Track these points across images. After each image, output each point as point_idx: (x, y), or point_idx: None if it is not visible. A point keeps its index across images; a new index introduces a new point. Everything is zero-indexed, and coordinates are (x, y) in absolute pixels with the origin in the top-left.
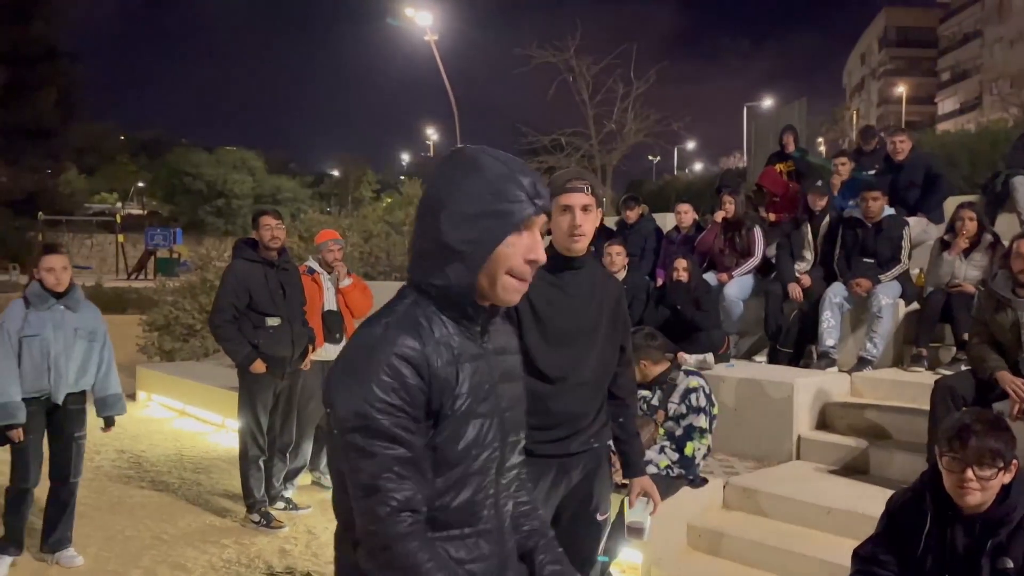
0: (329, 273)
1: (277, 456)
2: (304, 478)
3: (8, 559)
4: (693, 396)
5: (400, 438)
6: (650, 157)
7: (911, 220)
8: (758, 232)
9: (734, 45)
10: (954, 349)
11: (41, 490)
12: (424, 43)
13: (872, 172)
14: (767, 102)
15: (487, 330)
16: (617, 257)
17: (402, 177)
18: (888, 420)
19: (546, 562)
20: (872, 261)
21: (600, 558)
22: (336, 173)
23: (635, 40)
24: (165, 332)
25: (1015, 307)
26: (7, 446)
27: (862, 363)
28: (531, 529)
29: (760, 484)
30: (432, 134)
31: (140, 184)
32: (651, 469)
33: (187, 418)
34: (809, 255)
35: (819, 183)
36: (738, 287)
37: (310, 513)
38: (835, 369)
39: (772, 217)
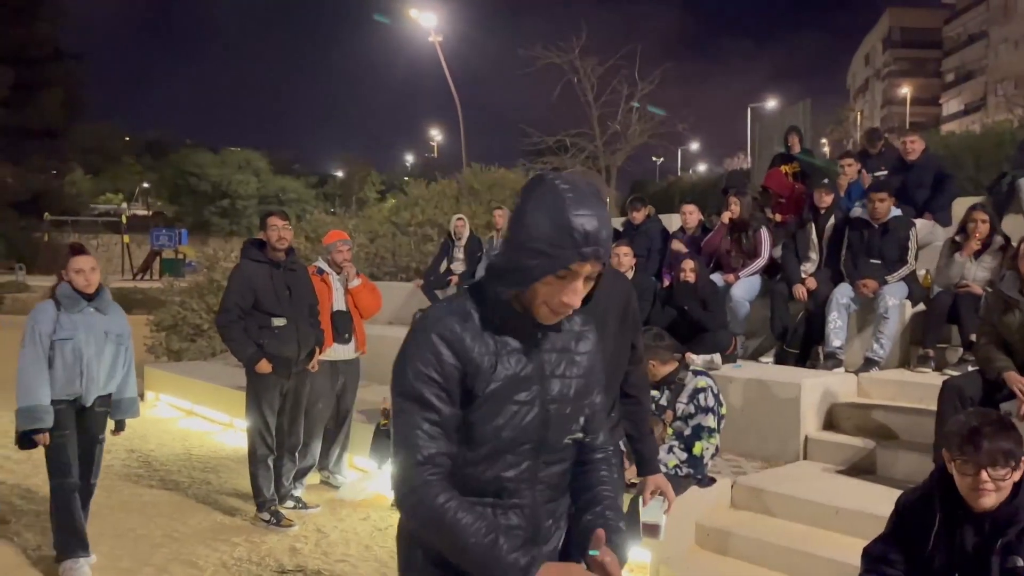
0: (338, 273)
1: (286, 456)
2: (312, 477)
3: (84, 562)
4: (701, 396)
5: (432, 404)
6: (654, 158)
7: (918, 221)
8: (765, 233)
9: (737, 46)
10: (961, 350)
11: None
12: (428, 44)
13: (880, 173)
14: (771, 103)
15: (546, 331)
16: (624, 258)
17: (406, 178)
18: (895, 420)
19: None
20: (878, 262)
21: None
22: (340, 174)
23: (639, 41)
24: (172, 332)
25: (1023, 308)
26: (39, 448)
27: (869, 364)
28: (595, 510)
29: (768, 484)
30: (436, 135)
31: (145, 185)
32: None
33: (194, 418)
34: (815, 256)
35: (825, 180)
36: (744, 288)
37: (319, 512)
38: (842, 370)
39: (778, 218)
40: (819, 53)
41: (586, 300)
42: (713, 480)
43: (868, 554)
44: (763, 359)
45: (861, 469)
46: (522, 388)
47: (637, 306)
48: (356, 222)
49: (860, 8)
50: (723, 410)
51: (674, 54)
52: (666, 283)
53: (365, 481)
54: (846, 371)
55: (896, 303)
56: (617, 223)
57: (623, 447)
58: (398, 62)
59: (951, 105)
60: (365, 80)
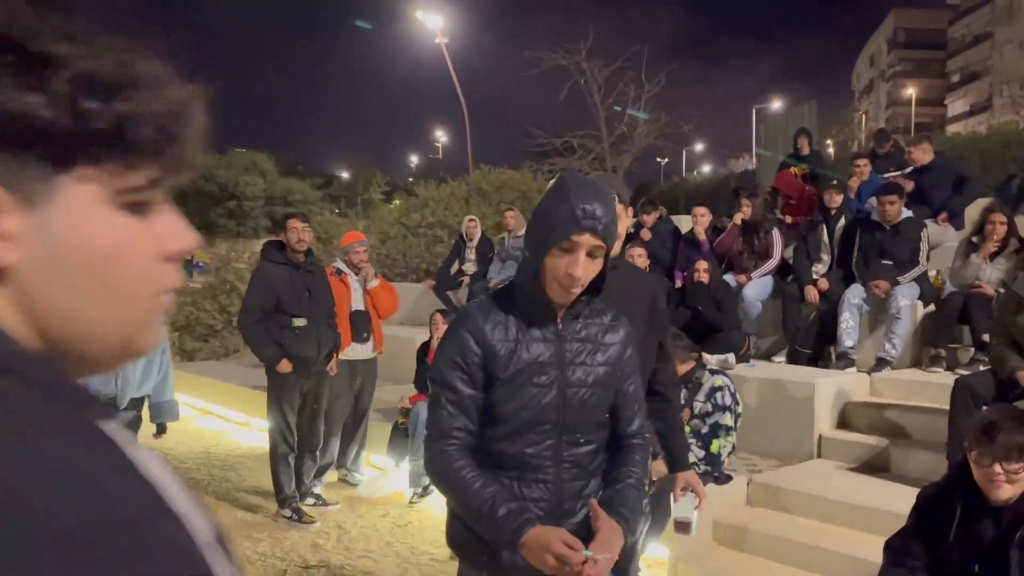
0: (356, 274)
1: (307, 454)
2: (330, 475)
3: None
4: (719, 394)
5: (455, 387)
6: (658, 159)
7: (928, 222)
8: (776, 234)
9: (741, 46)
10: (972, 350)
11: None
12: (433, 45)
13: (890, 174)
14: (775, 104)
15: (570, 322)
16: (639, 259)
17: (411, 179)
18: (908, 419)
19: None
20: (890, 263)
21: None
22: (345, 175)
23: (644, 41)
24: (186, 332)
25: None
26: None
27: (881, 363)
28: (614, 487)
29: (783, 481)
30: (441, 136)
31: None
32: None
33: (210, 416)
34: (826, 257)
35: (835, 181)
36: (756, 289)
37: (338, 509)
38: (854, 369)
39: (788, 219)
40: (823, 54)
41: (598, 289)
42: (730, 478)
43: (890, 547)
44: (775, 359)
45: (875, 467)
46: (541, 373)
47: (665, 305)
48: (366, 223)
49: (864, 9)
50: (740, 408)
51: (678, 55)
52: (678, 284)
53: (382, 479)
54: (858, 371)
55: (908, 303)
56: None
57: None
58: (403, 63)
59: (956, 106)
60: (369, 81)
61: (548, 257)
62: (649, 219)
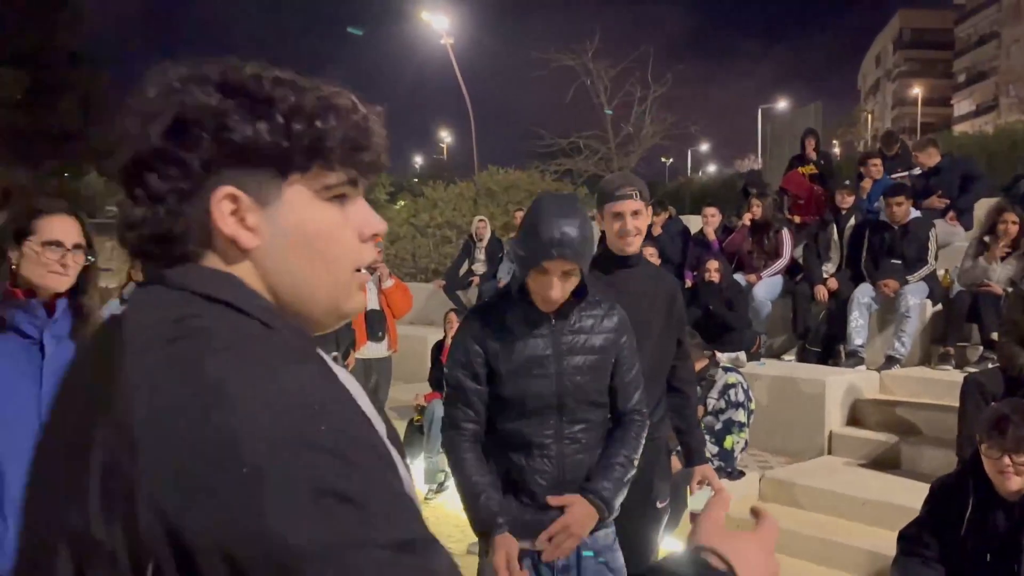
0: (371, 274)
1: None
2: None
3: None
4: (732, 392)
5: (462, 385)
6: (663, 159)
7: (937, 222)
8: (786, 234)
9: (746, 47)
10: (981, 348)
11: None
12: (438, 46)
13: (898, 175)
14: (781, 104)
15: (565, 317)
16: (650, 259)
17: (415, 180)
18: (918, 416)
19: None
20: (899, 262)
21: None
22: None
23: (650, 42)
24: None
25: None
26: None
27: (890, 362)
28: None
29: (795, 477)
30: (446, 136)
31: None
32: None
33: None
34: (836, 256)
35: (847, 182)
36: (766, 288)
37: None
38: (864, 367)
39: (796, 219)
40: (829, 54)
41: (582, 292)
42: (742, 473)
43: (904, 537)
44: (785, 357)
45: (885, 463)
46: (539, 365)
47: (683, 303)
48: None
49: (870, 9)
50: (752, 405)
51: (683, 55)
52: (688, 283)
53: None
54: (868, 369)
55: (917, 302)
56: None
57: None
58: (407, 64)
59: (963, 106)
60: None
61: (528, 278)
62: (659, 220)
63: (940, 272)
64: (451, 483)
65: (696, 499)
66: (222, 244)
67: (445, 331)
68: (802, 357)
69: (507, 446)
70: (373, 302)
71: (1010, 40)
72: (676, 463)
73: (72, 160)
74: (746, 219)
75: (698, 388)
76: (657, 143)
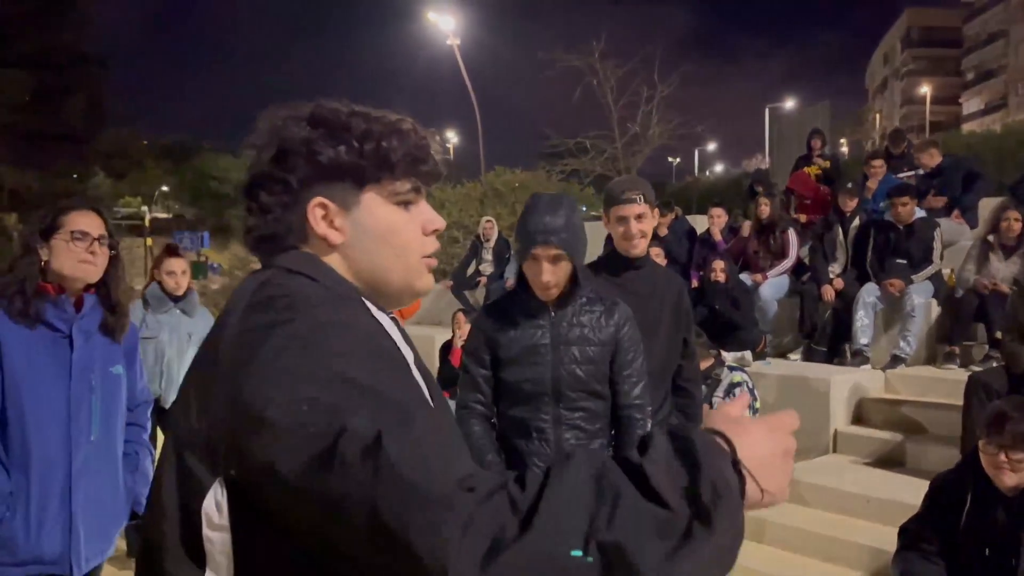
0: None
1: None
2: None
3: None
4: (737, 390)
5: (470, 370)
6: (670, 159)
7: (943, 221)
8: (792, 234)
9: (755, 46)
10: (987, 347)
11: None
12: (444, 47)
13: (904, 174)
14: (789, 103)
15: (565, 310)
16: (656, 259)
17: None
18: (922, 415)
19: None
20: (904, 262)
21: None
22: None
23: (656, 41)
24: None
25: None
26: None
27: (895, 361)
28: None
29: (800, 475)
30: (452, 137)
31: (164, 188)
32: None
33: None
34: (842, 256)
35: (849, 185)
36: (772, 288)
37: None
38: (869, 367)
39: (803, 218)
40: (837, 53)
41: (575, 283)
42: None
43: (905, 531)
44: (791, 356)
45: (890, 461)
46: (537, 354)
47: (689, 303)
48: None
49: (878, 7)
50: (757, 404)
51: (690, 54)
52: (694, 283)
53: None
54: (873, 368)
55: (922, 302)
56: None
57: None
58: (414, 65)
59: (971, 104)
60: (381, 82)
61: (524, 267)
62: (665, 220)
63: (946, 272)
64: None
65: None
66: (316, 241)
67: (453, 331)
68: (808, 356)
69: (510, 431)
70: None
71: (1018, 38)
72: None
73: (79, 161)
74: (746, 228)
75: (703, 387)
76: (664, 143)
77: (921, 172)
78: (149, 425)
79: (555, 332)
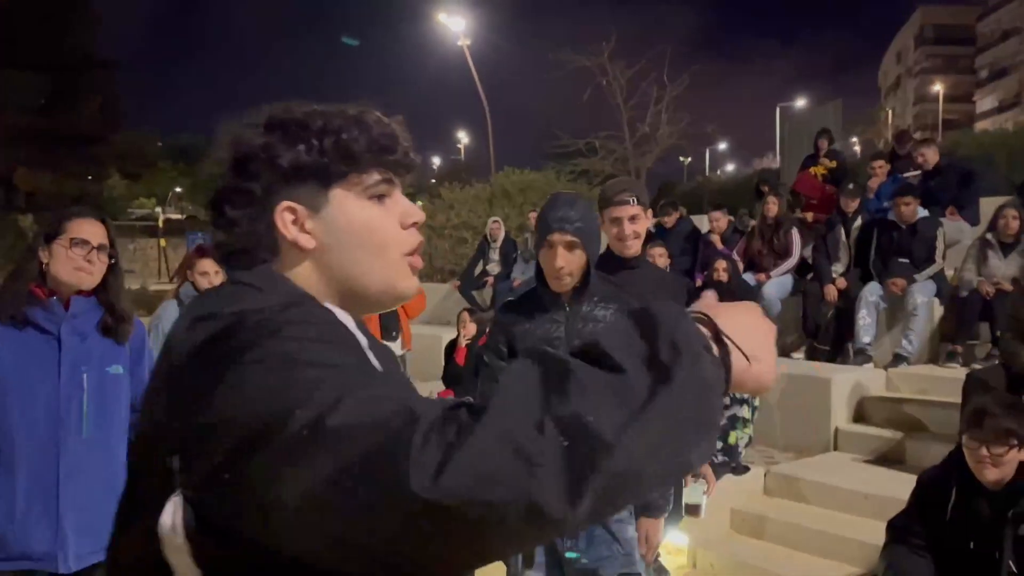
0: None
1: None
2: None
3: None
4: None
5: (491, 362)
6: (681, 159)
7: (945, 221)
8: (796, 233)
9: (765, 45)
10: (989, 346)
11: None
12: (454, 47)
13: (910, 174)
14: (800, 102)
15: (576, 304)
16: (659, 259)
17: (433, 181)
18: (923, 413)
19: None
20: (907, 261)
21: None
22: None
23: (666, 41)
24: None
25: None
26: None
27: (898, 359)
28: None
29: (800, 472)
30: (463, 137)
31: (178, 189)
32: None
33: None
34: (844, 256)
35: (851, 186)
36: (776, 287)
37: None
38: (871, 365)
39: (809, 217)
40: (849, 51)
41: (589, 278)
42: (747, 468)
43: (892, 526)
44: (795, 355)
45: (890, 459)
46: (552, 345)
47: (686, 304)
48: None
49: (890, 5)
50: (756, 401)
51: (701, 54)
52: (698, 283)
53: None
54: (875, 367)
55: (925, 301)
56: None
57: None
58: (424, 66)
59: (985, 102)
60: (392, 83)
61: (540, 258)
62: (670, 220)
63: (949, 272)
64: None
65: (690, 491)
66: (287, 250)
67: (458, 330)
68: (811, 355)
69: None
70: None
71: None
72: None
73: (94, 163)
74: (768, 212)
75: None
76: (674, 143)
77: (919, 174)
78: None
79: (570, 326)
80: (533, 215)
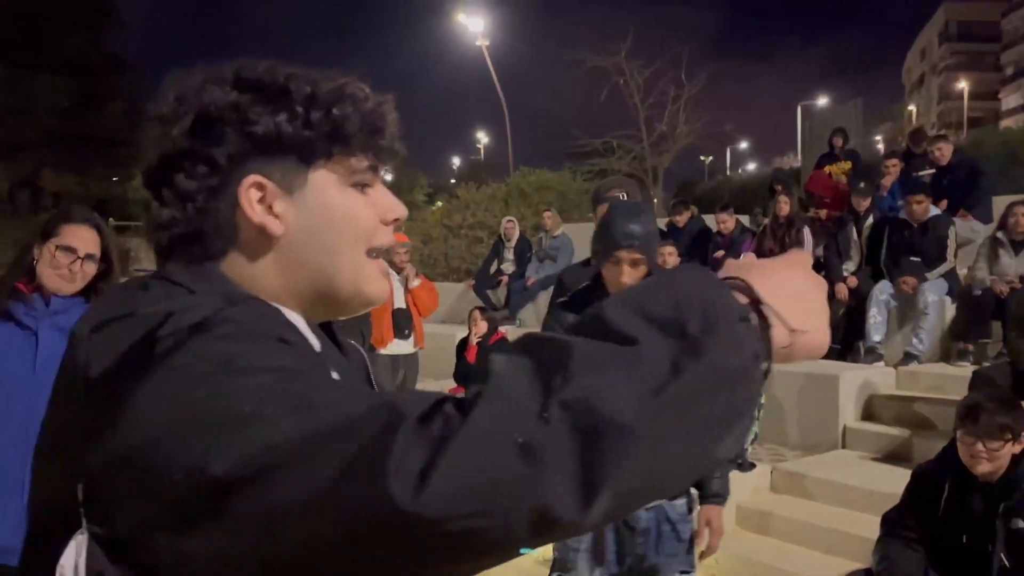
0: (398, 274)
1: None
2: None
3: None
4: None
5: None
6: (701, 158)
7: (957, 220)
8: (807, 232)
9: (786, 43)
10: (1000, 344)
11: None
12: (474, 47)
13: (925, 173)
14: (822, 100)
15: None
16: (669, 257)
17: (452, 180)
18: (932, 411)
19: None
20: (918, 260)
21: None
22: (389, 177)
23: (684, 41)
24: None
25: None
26: None
27: (908, 358)
28: None
29: (807, 469)
30: (482, 137)
31: None
32: None
33: None
34: (856, 255)
35: (862, 184)
36: None
37: None
38: (881, 364)
39: (823, 214)
40: (872, 49)
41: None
42: (753, 465)
43: (886, 520)
44: None
45: (898, 457)
46: None
47: None
48: (409, 225)
49: (914, 2)
50: (763, 399)
51: (721, 52)
52: None
53: None
54: (886, 365)
55: (936, 299)
56: (661, 223)
57: None
58: (444, 65)
59: (1010, 100)
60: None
61: (604, 270)
62: (681, 219)
63: (961, 271)
64: None
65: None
66: (248, 239)
67: (469, 328)
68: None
69: None
70: (400, 301)
71: None
72: None
73: (119, 165)
74: (780, 210)
75: None
76: (693, 142)
77: (931, 171)
78: None
79: None
80: (547, 214)
